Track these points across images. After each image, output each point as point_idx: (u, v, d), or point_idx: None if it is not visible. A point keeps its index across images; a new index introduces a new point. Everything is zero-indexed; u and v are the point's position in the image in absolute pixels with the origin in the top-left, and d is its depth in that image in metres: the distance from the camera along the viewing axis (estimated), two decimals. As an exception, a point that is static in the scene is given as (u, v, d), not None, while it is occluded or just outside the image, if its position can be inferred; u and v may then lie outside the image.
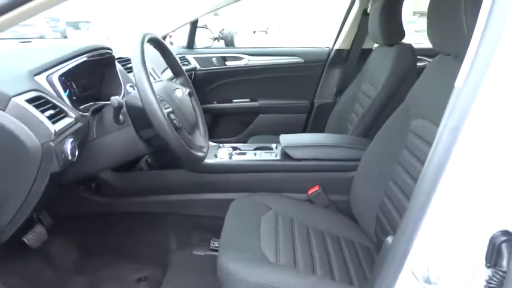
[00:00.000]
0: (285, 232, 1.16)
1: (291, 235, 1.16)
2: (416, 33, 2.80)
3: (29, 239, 1.20)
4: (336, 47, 2.31)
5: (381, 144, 1.25)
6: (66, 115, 0.87)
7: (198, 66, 2.30)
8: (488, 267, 0.55)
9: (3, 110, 0.72)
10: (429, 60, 2.22)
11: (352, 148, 1.46)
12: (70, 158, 0.85)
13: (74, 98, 1.02)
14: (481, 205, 0.56)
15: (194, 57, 2.30)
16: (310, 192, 1.42)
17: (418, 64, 1.72)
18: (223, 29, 2.51)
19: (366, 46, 2.28)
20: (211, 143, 1.56)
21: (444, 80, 1.01)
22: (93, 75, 1.16)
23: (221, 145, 1.57)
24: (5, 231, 0.87)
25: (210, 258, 1.46)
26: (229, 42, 2.54)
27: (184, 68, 1.47)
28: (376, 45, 2.01)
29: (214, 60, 2.32)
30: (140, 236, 1.51)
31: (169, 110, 1.03)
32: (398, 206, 1.04)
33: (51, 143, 0.78)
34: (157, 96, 0.94)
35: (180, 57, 2.16)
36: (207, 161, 1.42)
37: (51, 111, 0.82)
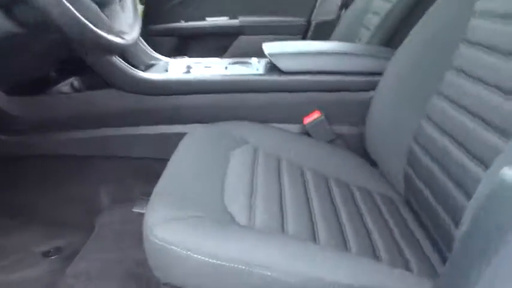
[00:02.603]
0: (267, 178, 0.84)
1: (276, 182, 0.84)
2: None
3: None
4: None
5: (417, 48, 0.94)
6: None
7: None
8: None
9: None
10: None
11: (367, 57, 1.14)
12: None
13: None
14: None
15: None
16: (306, 121, 1.12)
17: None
18: None
19: None
20: (165, 59, 1.24)
21: None
22: None
23: (176, 58, 1.27)
24: None
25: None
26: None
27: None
28: None
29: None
30: (57, 190, 1.21)
31: None
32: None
33: None
34: None
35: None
36: (152, 76, 1.10)
37: None
